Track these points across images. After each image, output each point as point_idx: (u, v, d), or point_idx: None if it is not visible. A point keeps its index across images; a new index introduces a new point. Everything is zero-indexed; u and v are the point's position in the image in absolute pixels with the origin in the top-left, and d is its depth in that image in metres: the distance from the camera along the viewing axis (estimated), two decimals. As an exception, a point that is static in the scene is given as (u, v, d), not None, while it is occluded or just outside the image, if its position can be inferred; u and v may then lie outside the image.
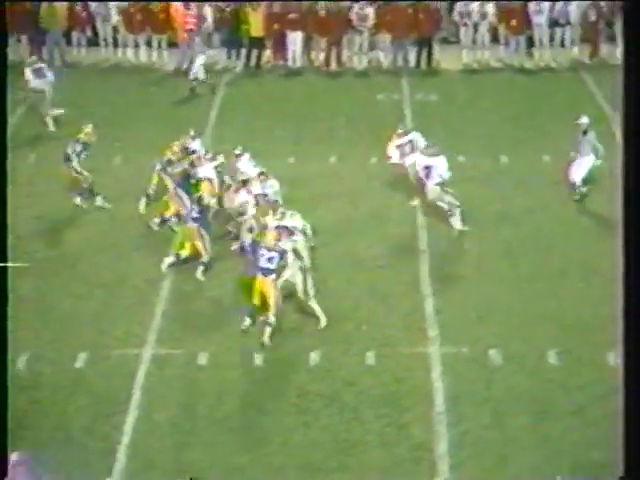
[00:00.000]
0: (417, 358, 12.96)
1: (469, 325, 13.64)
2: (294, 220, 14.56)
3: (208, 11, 24.12)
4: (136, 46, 24.35)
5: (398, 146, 16.69)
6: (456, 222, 15.91)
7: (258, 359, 13.02)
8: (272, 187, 15.50)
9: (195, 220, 15.06)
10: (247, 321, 13.48)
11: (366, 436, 11.64)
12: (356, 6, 24.18)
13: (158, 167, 16.27)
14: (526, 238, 15.91)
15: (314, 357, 13.04)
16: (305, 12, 24.08)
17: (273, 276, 13.38)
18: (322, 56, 24.22)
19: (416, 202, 16.79)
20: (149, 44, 24.30)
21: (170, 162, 16.15)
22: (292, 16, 23.95)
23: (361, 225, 16.31)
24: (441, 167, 15.83)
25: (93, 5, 24.24)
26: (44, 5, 23.95)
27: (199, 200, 15.26)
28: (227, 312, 14.11)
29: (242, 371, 12.80)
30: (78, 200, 17.00)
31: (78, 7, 24.19)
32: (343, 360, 12.95)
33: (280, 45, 24.15)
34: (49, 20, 23.90)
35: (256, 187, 15.52)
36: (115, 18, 24.20)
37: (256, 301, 13.45)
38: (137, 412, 12.08)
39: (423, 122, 20.31)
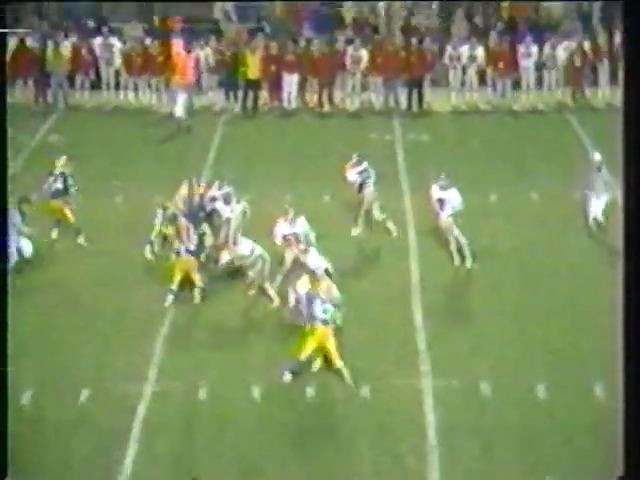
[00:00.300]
0: (410, 391, 13.35)
1: (460, 358, 14.03)
2: (316, 258, 14.82)
3: (209, 53, 24.79)
4: (136, 89, 24.85)
5: (359, 172, 17.40)
6: (467, 257, 16.56)
7: (256, 393, 13.39)
8: (303, 225, 15.73)
9: (191, 252, 15.50)
10: (287, 376, 13.56)
11: (361, 467, 11.98)
12: (350, 48, 24.85)
13: (160, 214, 16.40)
14: (514, 273, 16.38)
15: (310, 391, 13.42)
16: (300, 54, 24.73)
17: (331, 325, 13.62)
18: (317, 97, 24.85)
19: (358, 231, 17.40)
20: (149, 87, 24.78)
21: (175, 216, 16.20)
22: (288, 58, 24.59)
23: (354, 261, 16.76)
24: (454, 199, 16.44)
25: (98, 50, 24.78)
26: (50, 49, 24.51)
27: (201, 236, 15.70)
28: (227, 346, 14.50)
29: (241, 405, 13.12)
30: (81, 239, 17.37)
31: (84, 50, 24.71)
32: (338, 394, 13.34)
33: (276, 87, 24.76)
34: (54, 63, 24.42)
35: (284, 226, 15.71)
36: (118, 61, 24.72)
37: (309, 350, 13.50)
38: (137, 445, 12.34)
39: (414, 161, 20.91)
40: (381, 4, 26.79)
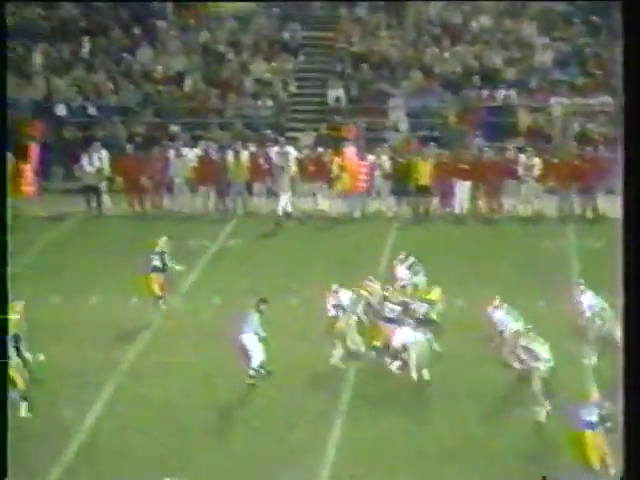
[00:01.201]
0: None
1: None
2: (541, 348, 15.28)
3: (384, 161, 25.42)
4: (309, 195, 25.53)
5: (408, 267, 18.29)
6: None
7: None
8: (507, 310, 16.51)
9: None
10: None
11: None
12: (523, 156, 24.98)
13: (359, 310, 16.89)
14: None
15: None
16: (472, 162, 25.05)
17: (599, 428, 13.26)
18: (487, 203, 25.03)
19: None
20: (320, 193, 25.36)
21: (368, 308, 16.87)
22: (460, 166, 24.95)
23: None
24: (592, 301, 16.69)
25: (275, 158, 25.57)
26: (230, 159, 25.55)
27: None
28: (399, 450, 14.43)
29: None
30: (162, 304, 18.50)
31: (261, 159, 25.68)
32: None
33: (447, 193, 25.11)
34: (235, 173, 25.49)
35: (498, 313, 16.41)
36: (293, 169, 25.48)
37: (595, 459, 13.07)
38: None
39: (589, 268, 20.57)
40: (557, 113, 26.95)
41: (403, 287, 18.01)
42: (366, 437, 14.82)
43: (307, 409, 15.54)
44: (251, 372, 16.15)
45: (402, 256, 18.63)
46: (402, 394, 15.87)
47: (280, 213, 24.04)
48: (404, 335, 16.13)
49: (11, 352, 14.82)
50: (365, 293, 17.16)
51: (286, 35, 30.23)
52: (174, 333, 18.17)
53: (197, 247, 22.25)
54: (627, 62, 10.20)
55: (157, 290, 18.44)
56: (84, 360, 16.71)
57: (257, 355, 16.15)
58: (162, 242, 18.70)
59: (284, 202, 24.15)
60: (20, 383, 14.92)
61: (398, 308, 16.74)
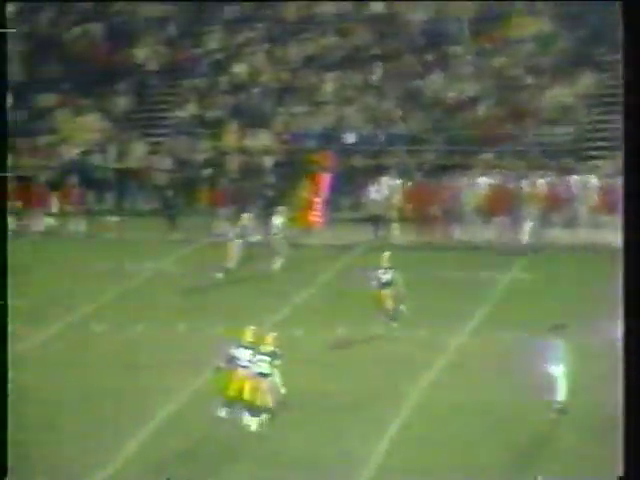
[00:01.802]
0: None
1: None
2: None
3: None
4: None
5: None
6: None
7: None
8: None
9: None
10: None
11: None
12: None
13: None
14: None
15: None
16: None
17: None
18: None
19: None
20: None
21: None
22: None
23: None
24: None
25: (574, 188, 24.43)
26: (526, 188, 24.36)
27: None
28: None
29: None
30: (390, 320, 18.52)
31: (559, 189, 24.43)
32: None
33: None
34: (530, 202, 24.22)
35: None
36: (594, 199, 24.32)
37: None
38: None
39: None
40: None
41: None
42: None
43: (600, 454, 13.48)
44: (557, 406, 14.91)
45: None
46: None
47: (522, 241, 23.54)
48: None
49: (268, 368, 14.63)
50: None
51: (590, 57, 28.43)
52: (461, 369, 17.14)
53: (487, 279, 21.44)
54: (627, 62, 10.17)
55: (389, 306, 18.33)
56: (367, 394, 15.97)
57: (562, 388, 14.89)
58: (386, 257, 18.69)
59: (527, 230, 23.63)
60: (266, 400, 14.61)
61: None
